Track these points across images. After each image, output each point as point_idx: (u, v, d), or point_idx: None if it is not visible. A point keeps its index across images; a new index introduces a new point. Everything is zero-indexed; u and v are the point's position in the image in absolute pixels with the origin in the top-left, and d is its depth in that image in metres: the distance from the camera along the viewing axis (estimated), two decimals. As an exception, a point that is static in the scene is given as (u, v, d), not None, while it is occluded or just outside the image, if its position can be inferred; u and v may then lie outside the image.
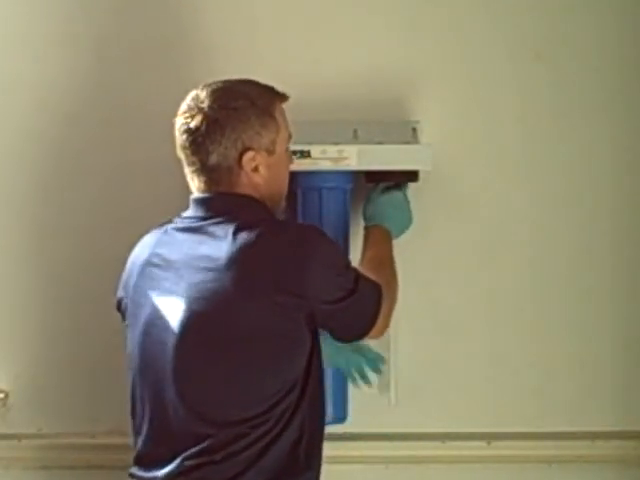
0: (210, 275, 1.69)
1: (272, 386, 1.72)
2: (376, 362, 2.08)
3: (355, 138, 2.10)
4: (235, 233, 1.69)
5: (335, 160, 2.05)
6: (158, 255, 1.77)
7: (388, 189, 2.10)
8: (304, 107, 2.05)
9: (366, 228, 2.06)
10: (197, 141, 1.73)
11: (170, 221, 1.81)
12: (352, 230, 2.15)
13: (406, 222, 2.09)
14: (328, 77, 2.20)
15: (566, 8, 2.22)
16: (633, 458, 2.31)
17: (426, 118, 2.19)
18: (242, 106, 1.74)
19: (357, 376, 2.08)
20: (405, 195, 2.10)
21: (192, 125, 1.73)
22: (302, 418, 1.75)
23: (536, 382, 2.29)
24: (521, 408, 2.30)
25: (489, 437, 2.29)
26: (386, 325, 1.88)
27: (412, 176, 2.11)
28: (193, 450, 1.71)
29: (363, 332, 1.82)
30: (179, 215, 1.80)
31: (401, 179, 2.10)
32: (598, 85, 2.24)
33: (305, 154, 2.03)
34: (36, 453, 2.32)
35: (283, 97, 1.81)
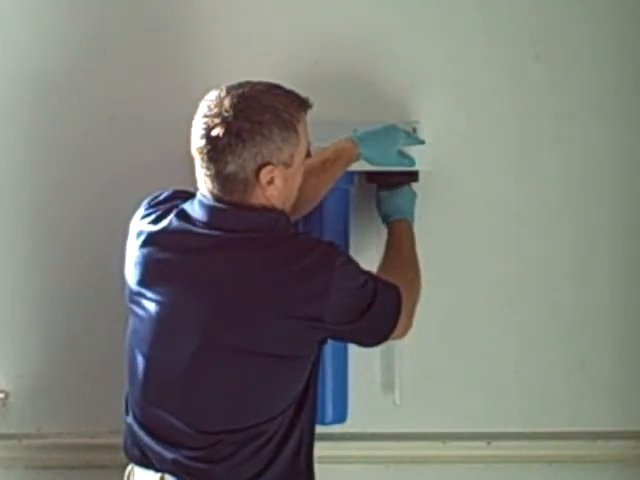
0: (228, 294, 1.68)
1: (279, 402, 1.74)
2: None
3: (355, 138, 2.09)
4: (254, 256, 1.69)
5: (335, 160, 2.04)
6: (173, 254, 1.73)
7: (394, 186, 2.10)
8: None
9: (388, 224, 2.06)
10: (216, 149, 1.68)
11: (179, 208, 1.76)
12: (352, 230, 2.16)
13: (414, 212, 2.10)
14: (328, 77, 2.20)
15: (566, 8, 2.22)
16: (633, 458, 2.32)
17: (426, 118, 2.19)
18: (267, 120, 1.68)
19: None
20: (413, 189, 2.12)
21: (213, 133, 1.67)
22: (301, 429, 1.77)
23: (536, 382, 2.30)
24: (521, 408, 2.30)
25: (489, 437, 2.30)
26: (410, 324, 1.87)
27: (412, 176, 2.12)
28: (196, 453, 1.73)
29: (384, 337, 1.82)
30: (187, 209, 1.75)
31: (401, 179, 2.11)
32: (597, 85, 2.24)
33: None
34: (36, 453, 2.32)
35: (308, 105, 1.76)
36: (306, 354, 1.75)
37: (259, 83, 1.73)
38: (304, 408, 1.77)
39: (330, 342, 2.01)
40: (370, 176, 2.12)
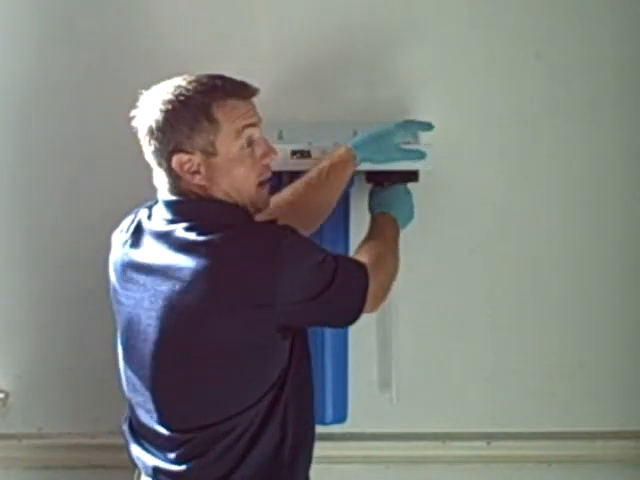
0: (177, 286, 1.66)
1: (247, 395, 1.72)
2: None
3: (355, 138, 2.09)
4: (200, 243, 1.65)
5: (335, 160, 2.04)
6: (130, 257, 1.75)
7: (390, 184, 2.10)
8: (304, 107, 2.05)
9: (372, 217, 2.04)
10: (142, 142, 1.72)
11: (143, 208, 1.80)
12: (352, 230, 2.16)
13: (409, 214, 2.07)
14: (328, 77, 2.20)
15: (566, 8, 2.22)
16: (632, 458, 2.32)
17: (426, 118, 2.19)
18: (172, 108, 1.67)
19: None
20: (407, 189, 2.10)
21: (134, 125, 1.72)
22: (281, 422, 1.74)
23: (536, 382, 2.30)
24: (521, 408, 2.31)
25: (489, 437, 2.30)
26: (382, 298, 1.83)
27: (412, 176, 2.12)
28: (172, 454, 1.74)
29: (353, 317, 1.76)
30: (151, 206, 1.79)
31: (401, 179, 2.11)
32: (598, 84, 2.24)
33: (305, 154, 2.03)
34: (36, 453, 2.32)
35: (234, 93, 1.70)
36: (268, 344, 1.69)
37: (191, 75, 1.72)
38: (280, 400, 1.73)
39: (329, 343, 2.02)
40: (370, 176, 2.12)
